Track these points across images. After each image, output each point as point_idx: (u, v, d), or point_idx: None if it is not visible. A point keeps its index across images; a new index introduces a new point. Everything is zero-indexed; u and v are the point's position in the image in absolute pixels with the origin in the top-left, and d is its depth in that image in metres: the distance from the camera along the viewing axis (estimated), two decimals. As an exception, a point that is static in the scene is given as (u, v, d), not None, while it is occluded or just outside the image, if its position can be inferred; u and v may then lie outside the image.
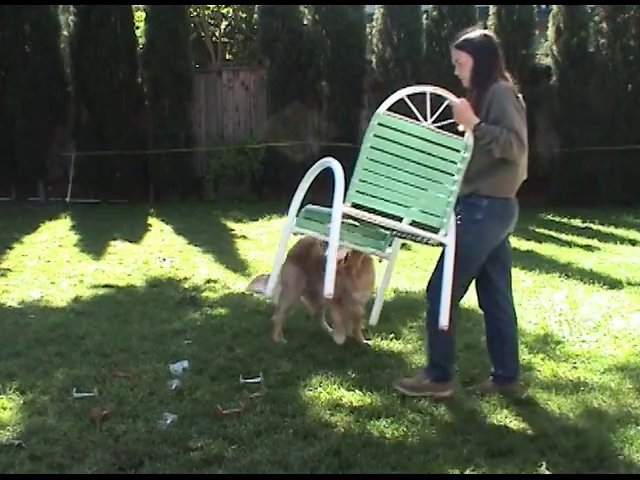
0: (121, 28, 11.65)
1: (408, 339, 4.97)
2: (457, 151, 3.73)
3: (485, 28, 11.46)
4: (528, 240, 8.48)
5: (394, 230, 3.96)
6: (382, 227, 4.00)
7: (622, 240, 8.39)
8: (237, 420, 3.72)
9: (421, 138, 3.68)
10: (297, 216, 4.29)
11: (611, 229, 9.18)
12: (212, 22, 15.72)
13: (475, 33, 3.93)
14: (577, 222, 9.68)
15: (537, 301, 5.87)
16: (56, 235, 9.09)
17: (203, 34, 15.21)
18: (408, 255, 7.72)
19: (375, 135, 3.64)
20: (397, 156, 3.68)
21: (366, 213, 3.75)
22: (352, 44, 11.52)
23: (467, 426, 3.64)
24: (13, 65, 11.61)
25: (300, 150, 11.58)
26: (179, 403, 3.95)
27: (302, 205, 4.33)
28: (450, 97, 3.73)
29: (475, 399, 3.96)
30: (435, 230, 3.80)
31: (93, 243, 8.52)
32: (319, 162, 4.20)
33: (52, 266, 7.38)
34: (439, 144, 3.70)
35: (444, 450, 3.38)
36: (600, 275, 6.66)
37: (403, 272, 6.91)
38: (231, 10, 15.63)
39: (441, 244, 3.84)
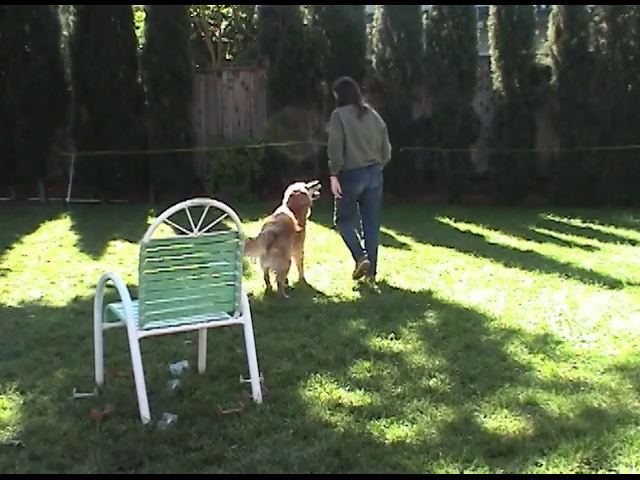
0: (121, 28, 11.66)
1: (408, 339, 4.97)
2: (229, 241, 3.99)
3: (485, 28, 11.52)
4: (528, 240, 8.49)
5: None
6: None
7: (622, 240, 8.39)
8: (237, 420, 3.72)
9: (190, 245, 3.89)
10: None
11: (611, 229, 9.18)
12: (212, 22, 15.73)
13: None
14: (577, 222, 9.68)
15: (537, 301, 5.87)
16: (56, 235, 9.10)
17: (203, 34, 15.22)
18: (408, 255, 7.73)
19: (148, 261, 3.79)
20: (174, 269, 3.89)
21: (163, 330, 3.96)
22: (352, 44, 11.52)
23: (467, 426, 3.64)
24: (13, 65, 11.60)
25: (300, 150, 11.59)
26: (179, 403, 3.96)
27: None
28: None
29: (475, 399, 3.96)
30: (231, 313, 4.11)
31: (93, 243, 8.53)
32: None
33: (52, 266, 7.39)
34: (210, 243, 3.95)
35: (444, 450, 3.38)
36: (600, 275, 6.66)
37: (403, 272, 6.91)
38: (231, 10, 15.64)
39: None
